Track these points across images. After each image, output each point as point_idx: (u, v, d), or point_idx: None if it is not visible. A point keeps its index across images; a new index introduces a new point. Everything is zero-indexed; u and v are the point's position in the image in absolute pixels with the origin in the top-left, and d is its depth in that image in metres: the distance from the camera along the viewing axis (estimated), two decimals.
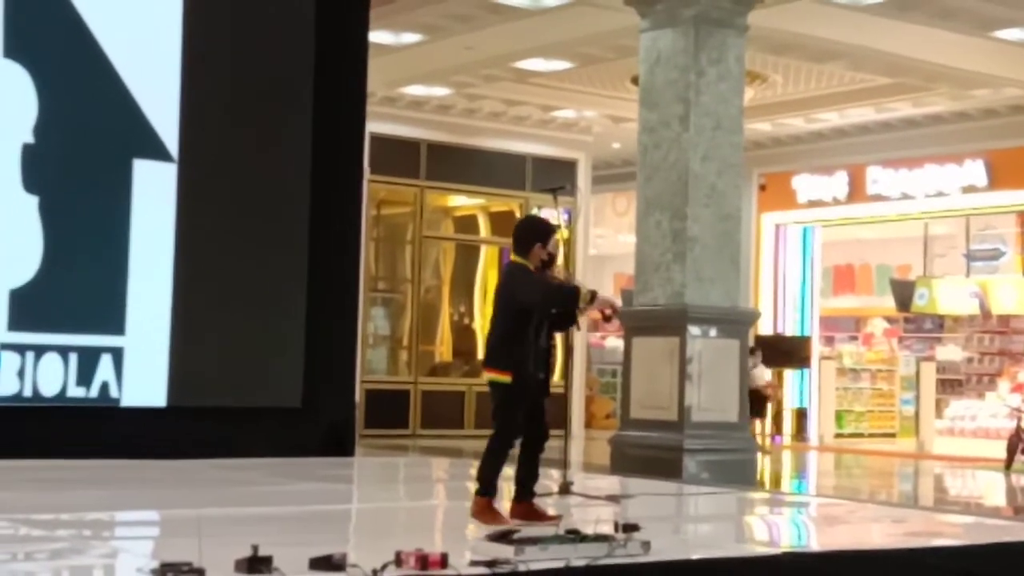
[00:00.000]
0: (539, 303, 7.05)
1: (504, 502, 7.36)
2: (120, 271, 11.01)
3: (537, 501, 7.32)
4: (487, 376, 7.14)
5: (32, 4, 10.82)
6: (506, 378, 7.02)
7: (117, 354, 10.96)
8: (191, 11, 11.40)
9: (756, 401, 17.48)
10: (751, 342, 14.45)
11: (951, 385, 21.61)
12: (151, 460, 10.37)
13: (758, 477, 12.96)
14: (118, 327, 10.99)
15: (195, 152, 11.35)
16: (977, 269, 21.79)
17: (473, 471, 7.48)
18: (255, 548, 5.01)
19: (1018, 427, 15.91)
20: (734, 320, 12.54)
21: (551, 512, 7.33)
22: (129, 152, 11.12)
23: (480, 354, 19.68)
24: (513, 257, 7.27)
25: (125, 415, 10.97)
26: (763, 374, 17.93)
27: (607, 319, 7.59)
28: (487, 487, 7.04)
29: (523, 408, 7.07)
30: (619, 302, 7.31)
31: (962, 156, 18.69)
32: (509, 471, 7.26)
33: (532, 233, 7.24)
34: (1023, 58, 15.58)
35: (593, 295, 7.07)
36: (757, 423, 17.84)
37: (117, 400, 10.97)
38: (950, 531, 8.76)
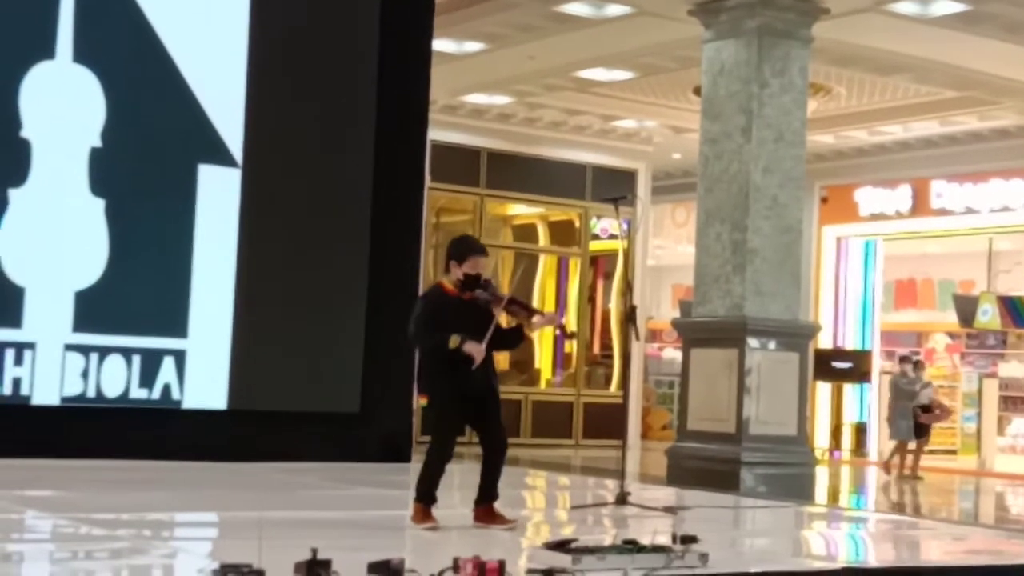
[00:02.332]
0: (410, 339, 7.14)
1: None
2: (183, 275, 11.13)
3: (497, 505, 7.34)
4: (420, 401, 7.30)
5: (101, 10, 10.96)
6: (422, 400, 7.26)
7: (179, 357, 11.08)
8: (257, 18, 11.51)
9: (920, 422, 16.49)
10: (810, 355, 14.37)
11: (1014, 402, 21.31)
12: (211, 462, 10.47)
13: (921, 508, 12.76)
14: (181, 330, 11.11)
15: (259, 157, 11.46)
16: None
17: (529, 480, 7.53)
18: (314, 551, 5.04)
19: None
20: (793, 333, 12.46)
21: (509, 517, 7.34)
22: (194, 157, 11.25)
23: (536, 363, 19.72)
24: (440, 276, 7.32)
25: (186, 417, 11.08)
26: (929, 393, 17.09)
27: (568, 336, 7.66)
28: (420, 495, 7.15)
29: (450, 424, 7.17)
30: (480, 354, 7.09)
31: None
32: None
33: (451, 252, 7.29)
34: None
35: (460, 342, 6.98)
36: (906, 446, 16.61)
37: (179, 402, 11.08)
38: (1012, 550, 8.63)
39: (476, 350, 6.99)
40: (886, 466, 16.55)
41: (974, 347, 23.80)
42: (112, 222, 10.86)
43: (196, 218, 11.19)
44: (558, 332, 7.44)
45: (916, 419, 16.54)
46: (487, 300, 7.10)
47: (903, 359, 17.62)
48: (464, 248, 7.28)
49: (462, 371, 7.02)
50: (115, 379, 10.83)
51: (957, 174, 19.24)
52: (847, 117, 18.37)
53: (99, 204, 10.84)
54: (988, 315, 20.92)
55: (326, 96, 11.89)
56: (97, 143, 10.87)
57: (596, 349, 20.30)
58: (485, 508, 7.28)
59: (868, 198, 20.42)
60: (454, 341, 6.97)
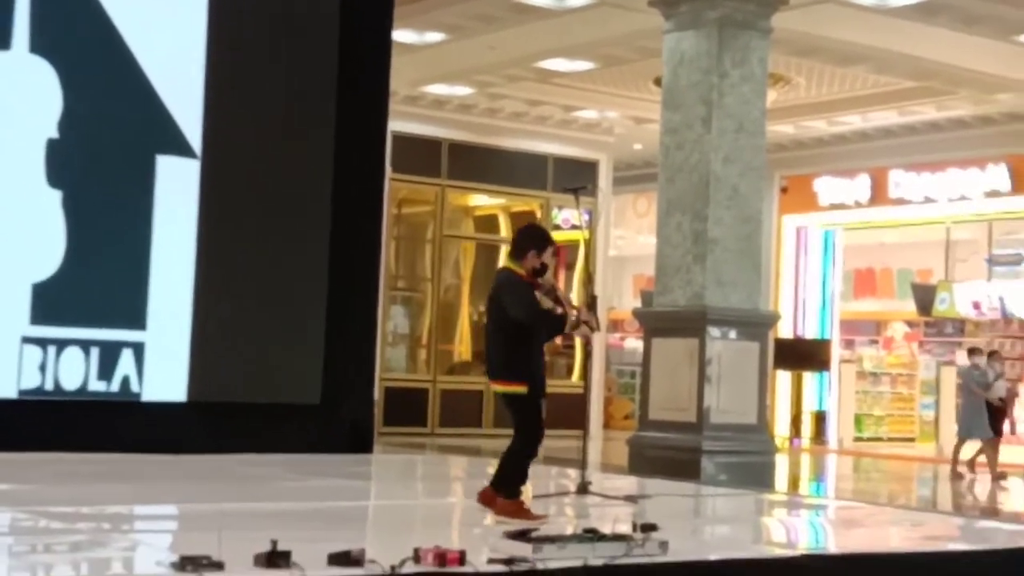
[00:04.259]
0: (524, 322, 7.15)
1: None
2: (142, 266, 11.05)
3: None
4: (498, 388, 7.33)
5: (58, 0, 10.86)
6: (521, 388, 7.24)
7: (138, 349, 11.01)
8: (216, 8, 11.43)
9: (995, 416, 15.02)
10: (770, 344, 14.36)
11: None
12: (171, 455, 10.41)
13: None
14: (139, 322, 11.03)
15: (218, 149, 11.39)
16: (999, 274, 21.70)
17: (491, 470, 7.54)
18: (274, 543, 5.04)
19: None
20: (754, 322, 12.53)
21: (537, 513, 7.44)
22: (152, 148, 11.17)
23: None
24: (506, 263, 7.41)
25: (145, 410, 11.01)
26: (1003, 386, 15.47)
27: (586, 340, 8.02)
28: (513, 491, 7.26)
29: (541, 413, 7.31)
30: (595, 331, 7.46)
31: (985, 160, 18.61)
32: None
33: (529, 240, 7.42)
34: None
35: (577, 323, 7.31)
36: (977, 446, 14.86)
37: (138, 395, 11.01)
38: (968, 536, 8.73)
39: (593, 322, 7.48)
40: (954, 468, 14.99)
41: (932, 335, 23.99)
42: (70, 214, 10.76)
43: (154, 209, 11.11)
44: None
45: (994, 414, 14.92)
46: (549, 288, 7.36)
47: (971, 351, 16.16)
48: (546, 238, 7.47)
49: (543, 362, 7.40)
50: (73, 372, 10.75)
51: (915, 164, 19.38)
52: (806, 107, 18.47)
53: (56, 196, 10.75)
54: (946, 303, 21.10)
55: (285, 87, 11.83)
56: (54, 134, 10.76)
57: (557, 340, 20.32)
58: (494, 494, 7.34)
59: (827, 188, 20.54)
60: (572, 322, 7.33)
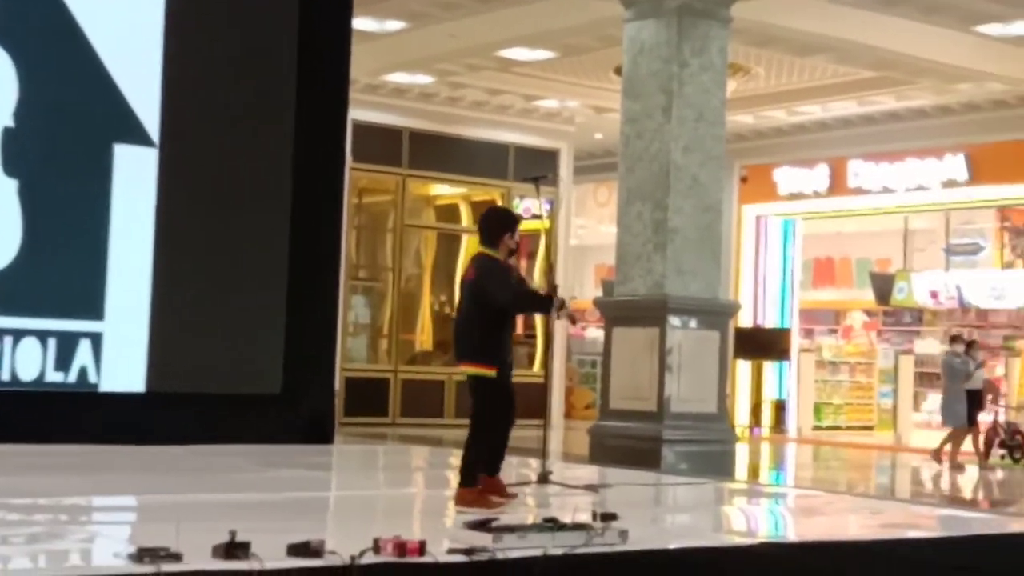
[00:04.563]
0: (509, 307, 7.19)
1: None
2: (99, 256, 10.95)
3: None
4: (468, 370, 7.31)
5: None
6: (491, 372, 7.27)
7: (96, 339, 10.92)
8: None
9: (974, 405, 15.03)
10: (731, 333, 14.42)
11: (929, 378, 21.66)
12: (129, 446, 10.33)
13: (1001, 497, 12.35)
14: (97, 312, 10.94)
15: (176, 137, 11.30)
16: (956, 263, 21.89)
17: (453, 460, 7.56)
18: (233, 534, 5.00)
19: (995, 421, 15.98)
20: (714, 311, 12.57)
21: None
22: (110, 136, 11.06)
23: None
24: (480, 248, 7.39)
25: (103, 400, 10.92)
26: (982, 375, 15.58)
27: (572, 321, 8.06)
28: (474, 479, 7.29)
29: (512, 396, 7.37)
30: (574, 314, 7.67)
31: (943, 150, 18.75)
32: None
33: (501, 223, 7.43)
34: (1006, 53, 15.65)
35: (562, 304, 7.27)
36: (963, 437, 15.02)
37: (95, 385, 10.92)
38: (926, 523, 8.80)
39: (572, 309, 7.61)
40: (937, 455, 15.01)
41: (890, 324, 24.17)
42: (26, 203, 10.65)
43: (112, 198, 11.01)
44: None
45: (974, 404, 15.01)
46: (517, 275, 7.49)
47: (954, 338, 16.22)
48: (516, 218, 7.61)
49: (511, 344, 7.42)
50: (30, 362, 10.64)
51: (874, 153, 19.49)
52: (766, 97, 18.55)
53: (12, 185, 10.63)
54: (904, 293, 21.27)
55: (245, 75, 11.74)
56: (10, 123, 10.65)
57: (519, 329, 20.34)
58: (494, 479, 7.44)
59: (787, 177, 20.63)
60: (558, 302, 7.39)
